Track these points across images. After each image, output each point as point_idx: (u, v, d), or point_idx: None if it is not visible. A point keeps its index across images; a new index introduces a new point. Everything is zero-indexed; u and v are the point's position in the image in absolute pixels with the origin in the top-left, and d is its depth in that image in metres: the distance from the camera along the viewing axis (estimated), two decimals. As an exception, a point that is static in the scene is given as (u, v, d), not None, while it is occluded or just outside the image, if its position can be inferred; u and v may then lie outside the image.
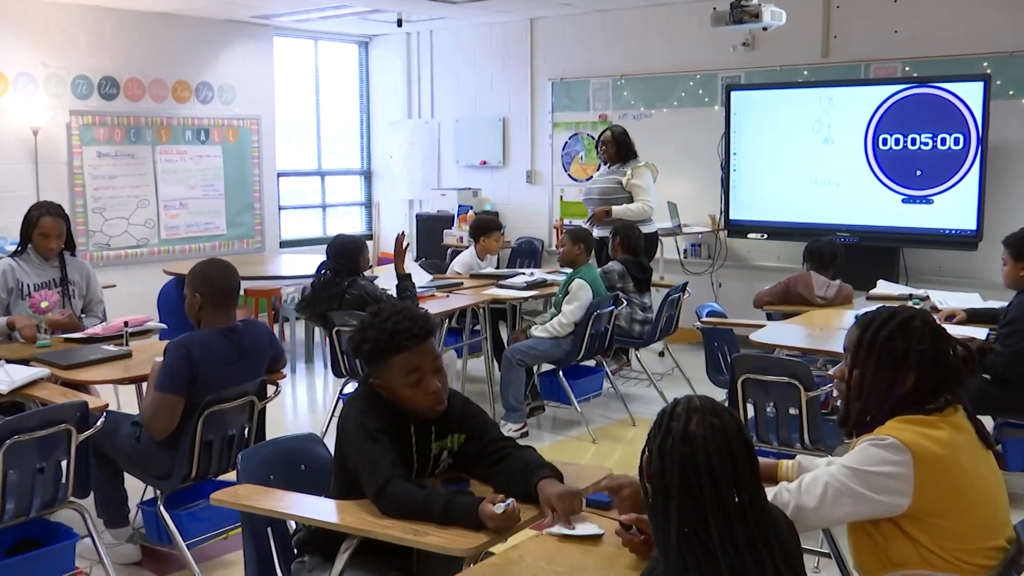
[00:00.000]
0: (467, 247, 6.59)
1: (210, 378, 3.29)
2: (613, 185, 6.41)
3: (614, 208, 6.33)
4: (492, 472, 2.39)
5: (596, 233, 6.39)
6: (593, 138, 8.20)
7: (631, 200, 6.34)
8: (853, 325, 2.18)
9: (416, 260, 7.20)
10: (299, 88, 9.32)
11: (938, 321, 2.19)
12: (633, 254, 5.82)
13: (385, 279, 5.76)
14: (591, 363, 5.51)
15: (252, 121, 8.46)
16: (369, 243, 9.15)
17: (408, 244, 4.87)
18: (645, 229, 6.13)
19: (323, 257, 4.99)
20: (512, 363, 5.09)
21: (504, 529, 2.15)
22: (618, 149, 6.47)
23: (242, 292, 4.16)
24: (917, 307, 2.20)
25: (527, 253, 7.99)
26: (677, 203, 7.37)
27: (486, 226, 6.22)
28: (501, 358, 5.25)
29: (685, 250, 7.72)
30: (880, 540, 2.04)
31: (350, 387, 5.18)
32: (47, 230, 4.23)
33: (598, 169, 6.64)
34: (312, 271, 5.09)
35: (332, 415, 5.06)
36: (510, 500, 2.19)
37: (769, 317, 5.30)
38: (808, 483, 2.05)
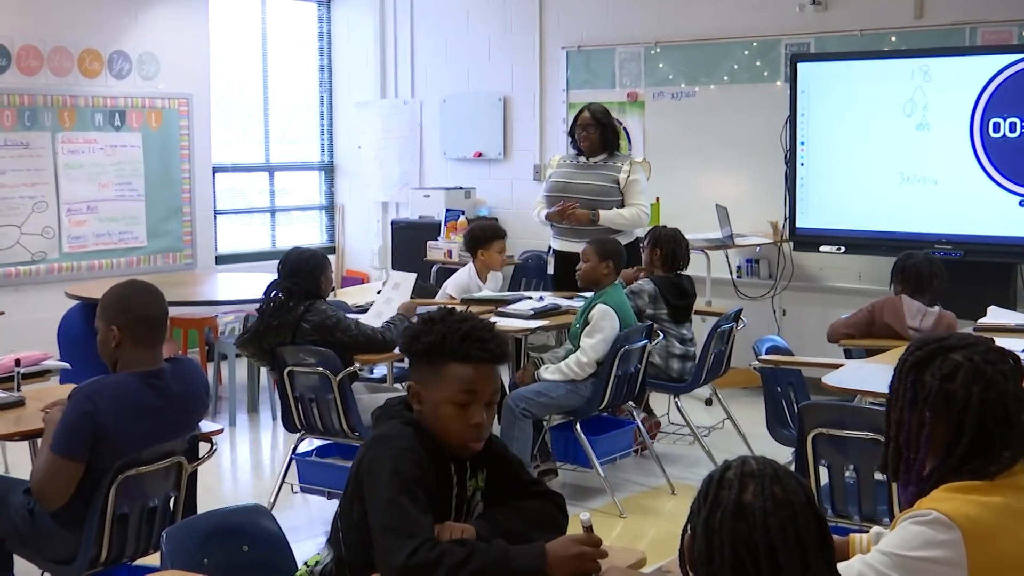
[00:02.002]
0: (459, 264, 6.66)
1: (125, 435, 3.30)
2: (607, 183, 6.33)
3: (602, 213, 6.26)
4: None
5: (562, 245, 6.38)
6: (620, 123, 8.24)
7: (621, 204, 6.31)
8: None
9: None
10: (241, 59, 9.39)
11: None
12: (674, 272, 5.85)
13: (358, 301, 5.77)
14: (621, 409, 5.49)
15: (181, 101, 8.52)
16: (331, 258, 9.22)
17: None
18: (624, 240, 6.10)
19: (272, 276, 5.01)
20: (515, 414, 5.10)
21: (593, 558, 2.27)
22: (604, 135, 6.38)
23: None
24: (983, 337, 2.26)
25: (534, 271, 8.01)
26: (728, 207, 7.41)
27: (485, 234, 6.22)
28: (500, 407, 5.26)
29: (739, 267, 7.74)
30: None
31: (306, 444, 5.20)
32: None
33: (577, 160, 6.43)
34: (258, 294, 5.10)
35: (282, 480, 5.06)
36: (586, 516, 2.31)
37: (848, 354, 5.31)
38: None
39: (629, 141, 8.17)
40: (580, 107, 6.56)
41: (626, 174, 6.34)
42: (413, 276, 5.63)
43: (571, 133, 6.51)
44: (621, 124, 8.16)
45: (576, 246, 6.23)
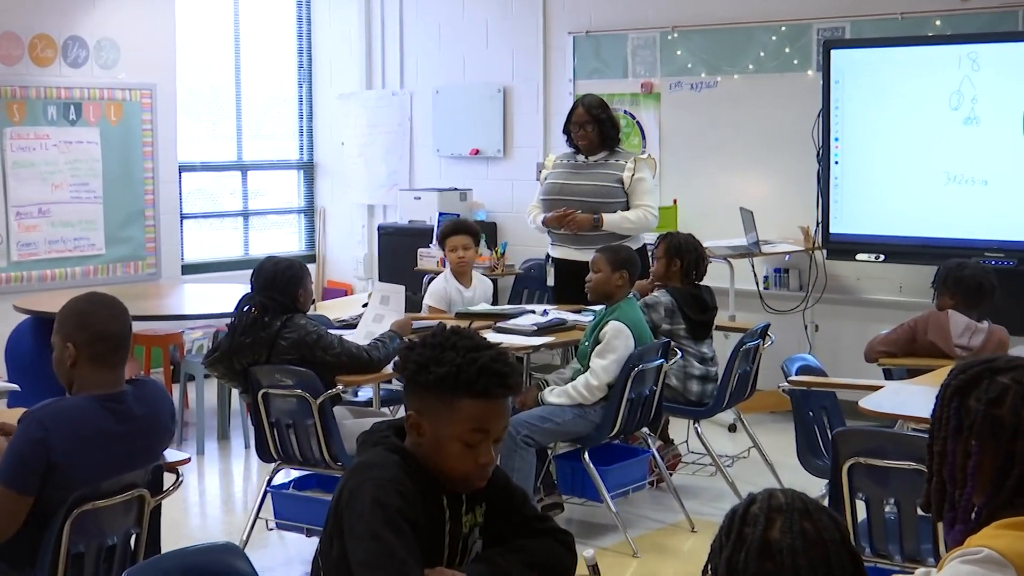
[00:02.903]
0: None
1: (81, 465, 3.30)
2: (610, 184, 6.35)
3: (605, 217, 6.28)
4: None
5: (562, 252, 6.40)
6: (633, 117, 8.27)
7: (626, 206, 6.34)
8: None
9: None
10: (211, 45, 9.41)
11: None
12: (692, 283, 5.86)
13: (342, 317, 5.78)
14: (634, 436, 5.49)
15: (143, 93, 8.54)
16: (311, 267, 9.21)
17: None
18: (634, 244, 6.14)
19: (245, 288, 5.02)
20: (516, 442, 5.09)
21: None
22: (602, 131, 6.39)
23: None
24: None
25: (537, 283, 8.01)
26: (753, 210, 7.42)
27: (444, 231, 6.32)
28: (501, 434, 5.26)
29: (765, 277, 7.76)
30: None
31: (282, 476, 5.20)
32: None
33: (575, 159, 6.45)
34: (229, 308, 5.11)
35: (256, 516, 5.06)
36: (590, 553, 2.33)
37: (888, 375, 5.31)
38: None
39: (643, 137, 8.20)
40: (588, 100, 6.55)
41: (630, 172, 6.35)
42: (402, 289, 5.64)
43: (566, 131, 6.52)
44: (634, 118, 8.20)
45: (578, 253, 6.25)
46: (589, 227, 6.27)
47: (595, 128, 6.37)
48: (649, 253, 6.11)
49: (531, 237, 7.80)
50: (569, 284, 6.25)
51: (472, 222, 6.74)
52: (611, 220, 6.29)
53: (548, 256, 6.63)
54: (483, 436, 2.44)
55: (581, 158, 6.47)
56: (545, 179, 6.57)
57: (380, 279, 8.70)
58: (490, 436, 2.45)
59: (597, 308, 5.54)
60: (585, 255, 6.04)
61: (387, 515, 2.34)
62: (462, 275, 6.36)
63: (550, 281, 6.62)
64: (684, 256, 5.83)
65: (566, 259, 6.40)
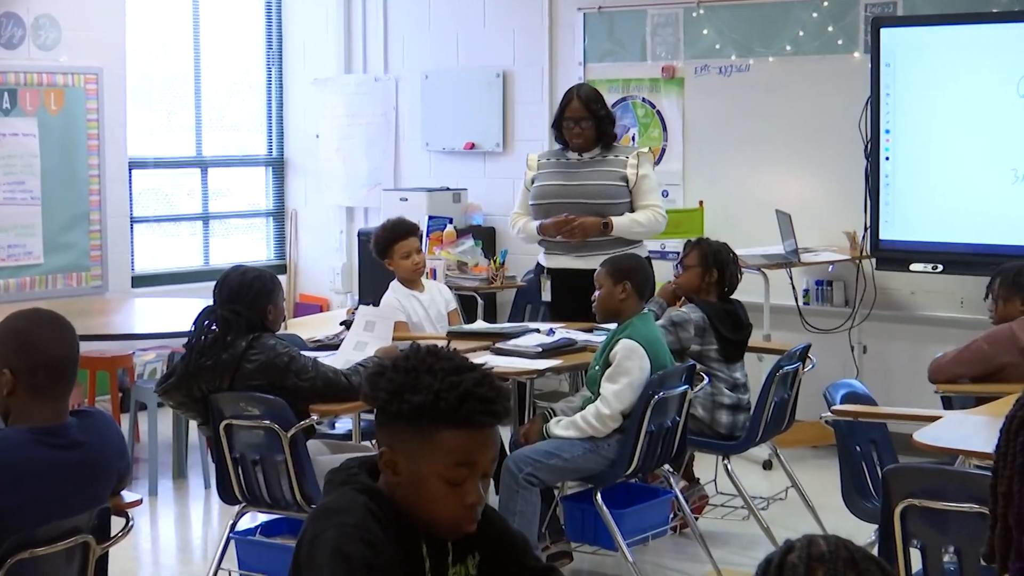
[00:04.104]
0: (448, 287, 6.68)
1: (16, 507, 3.30)
2: (614, 182, 6.38)
3: (614, 220, 6.32)
4: None
5: (558, 261, 6.42)
6: (652, 106, 8.29)
7: (631, 207, 6.38)
8: None
9: (358, 306, 7.23)
10: (166, 24, 9.43)
11: None
12: (724, 297, 5.88)
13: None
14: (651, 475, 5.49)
15: (88, 78, 8.55)
16: (281, 279, 9.19)
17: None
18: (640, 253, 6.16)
19: (206, 302, 5.03)
20: (518, 480, 5.10)
21: None
22: (600, 128, 6.43)
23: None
24: None
25: (540, 298, 8.02)
26: (791, 213, 7.43)
27: (387, 236, 6.24)
28: (499, 472, 5.27)
29: (806, 291, 7.77)
30: None
31: (248, 520, 5.20)
32: None
33: (567, 157, 6.49)
34: (187, 326, 5.12)
35: (218, 565, 5.05)
36: None
37: (947, 403, 5.31)
38: None
39: (664, 129, 8.22)
40: (584, 91, 6.55)
41: (634, 169, 6.39)
42: (391, 315, 5.65)
43: (556, 125, 6.54)
44: (654, 107, 8.23)
45: (578, 262, 6.29)
46: (597, 233, 6.29)
47: (592, 125, 6.41)
48: (676, 266, 6.07)
49: (534, 245, 7.79)
50: (570, 298, 6.26)
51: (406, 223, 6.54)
52: (620, 224, 6.32)
53: (541, 267, 6.63)
54: (468, 472, 2.41)
55: (573, 156, 6.50)
56: (533, 181, 6.56)
57: (361, 293, 8.70)
58: (477, 471, 2.43)
59: (611, 326, 5.54)
60: (587, 263, 6.06)
61: (350, 568, 2.31)
62: (413, 282, 6.35)
63: (546, 295, 6.62)
64: (722, 266, 5.84)
65: (564, 269, 6.42)
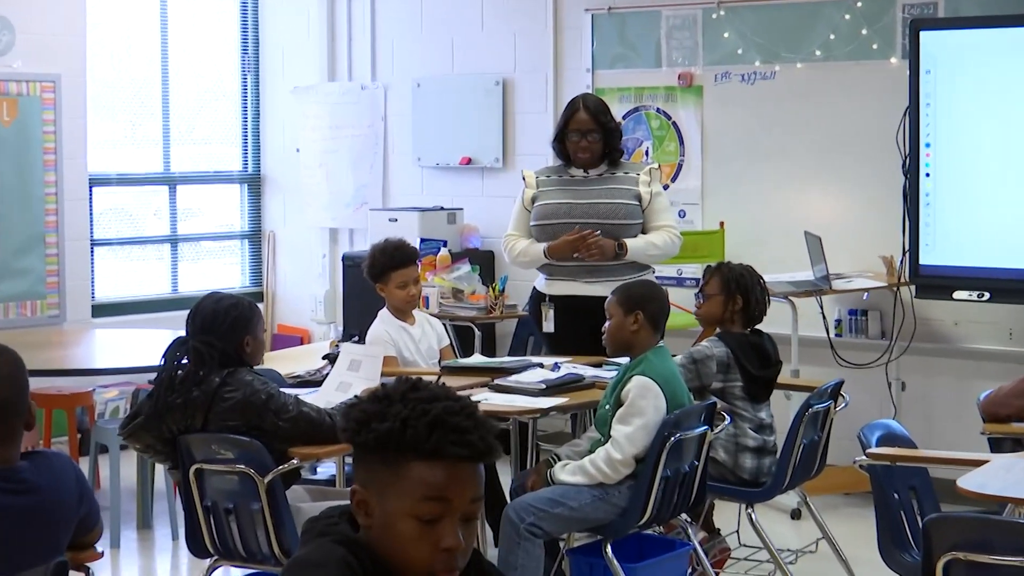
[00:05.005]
0: (440, 317, 6.68)
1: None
2: (627, 201, 6.44)
3: (629, 243, 6.37)
4: None
5: (561, 287, 6.44)
6: (668, 117, 8.31)
7: (642, 228, 6.44)
8: None
9: (343, 341, 7.24)
10: (131, 27, 9.44)
11: None
12: (750, 325, 5.89)
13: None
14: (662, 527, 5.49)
15: (45, 86, 8.56)
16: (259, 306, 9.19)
17: None
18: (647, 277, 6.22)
19: (177, 333, 5.03)
20: (519, 531, 5.10)
21: None
22: (608, 142, 6.50)
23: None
24: None
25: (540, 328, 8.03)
26: (822, 236, 7.43)
27: (382, 262, 6.23)
28: (498, 521, 5.27)
29: (838, 321, 7.77)
30: None
31: (220, 575, 5.19)
32: None
33: (570, 174, 6.55)
34: (154, 360, 5.13)
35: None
36: None
37: (995, 446, 5.30)
38: None
39: (681, 143, 8.23)
40: (591, 101, 6.62)
41: (647, 187, 6.45)
42: (380, 352, 5.65)
43: (558, 139, 6.58)
44: (669, 118, 8.26)
45: (586, 287, 6.33)
46: (612, 256, 6.32)
47: (601, 138, 6.46)
48: (698, 294, 6.06)
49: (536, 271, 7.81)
50: (576, 328, 6.28)
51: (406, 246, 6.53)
52: (635, 246, 6.36)
53: (541, 294, 6.62)
54: (441, 509, 2.39)
55: (578, 172, 6.56)
56: (534, 200, 6.58)
57: (346, 324, 8.72)
58: (452, 510, 2.40)
59: (623, 360, 5.54)
60: (595, 289, 6.09)
61: None
62: (405, 313, 6.36)
63: (548, 326, 6.58)
64: (747, 292, 5.85)
65: (570, 296, 6.44)
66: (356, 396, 5.09)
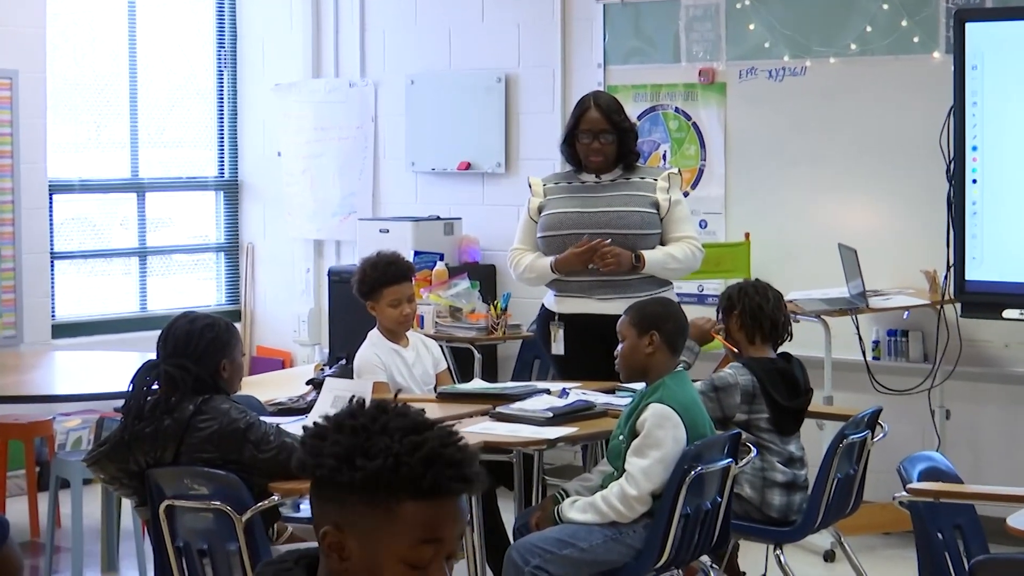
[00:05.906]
0: (436, 337, 6.68)
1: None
2: (644, 209, 6.47)
3: (646, 255, 6.39)
4: None
5: (572, 305, 6.47)
6: (687, 117, 8.32)
7: (660, 239, 6.47)
8: None
9: (328, 364, 7.24)
10: (94, 18, 9.47)
11: None
12: (772, 348, 5.90)
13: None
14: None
15: (1, 83, 8.57)
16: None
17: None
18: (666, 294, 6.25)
19: (144, 356, 5.03)
20: (523, 574, 5.11)
21: None
22: (623, 144, 6.53)
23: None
24: None
25: (549, 350, 8.03)
26: (857, 248, 7.44)
27: (374, 278, 6.23)
28: (501, 564, 5.28)
29: (876, 343, 7.78)
30: None
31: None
32: None
33: (580, 179, 6.59)
34: (121, 385, 5.14)
35: None
36: None
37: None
38: None
39: (702, 145, 8.24)
40: (603, 99, 6.63)
41: (666, 194, 6.47)
42: (368, 385, 5.64)
43: (568, 141, 6.61)
44: (689, 119, 8.28)
45: (595, 305, 6.33)
46: (628, 269, 6.33)
47: (615, 139, 6.48)
48: (719, 318, 6.07)
49: (542, 289, 7.82)
50: (587, 351, 6.29)
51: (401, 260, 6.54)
52: (653, 259, 6.38)
53: (551, 313, 6.63)
54: (434, 551, 2.40)
55: (589, 178, 6.58)
56: (541, 209, 6.58)
57: (331, 346, 8.72)
58: (443, 550, 2.41)
59: (638, 386, 5.54)
60: (609, 307, 6.09)
61: None
62: (398, 334, 6.36)
63: (557, 348, 6.59)
64: (749, 308, 5.85)
65: (581, 315, 6.45)
66: (314, 423, 5.08)
